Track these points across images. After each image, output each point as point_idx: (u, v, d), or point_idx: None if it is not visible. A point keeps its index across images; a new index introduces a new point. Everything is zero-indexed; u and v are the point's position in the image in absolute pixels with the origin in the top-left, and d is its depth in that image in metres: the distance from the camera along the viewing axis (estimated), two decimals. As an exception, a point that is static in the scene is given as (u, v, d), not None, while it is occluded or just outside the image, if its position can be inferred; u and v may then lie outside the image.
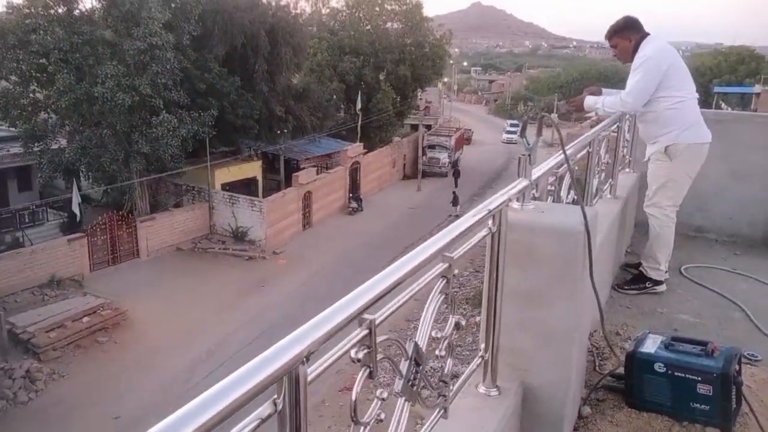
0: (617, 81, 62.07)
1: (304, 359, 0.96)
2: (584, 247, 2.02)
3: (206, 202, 25.15)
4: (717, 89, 38.74)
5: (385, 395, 1.31)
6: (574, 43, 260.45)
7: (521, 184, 2.07)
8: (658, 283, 4.27)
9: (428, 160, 37.75)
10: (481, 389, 2.07)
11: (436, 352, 1.68)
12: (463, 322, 1.77)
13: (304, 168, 28.44)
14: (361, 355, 1.20)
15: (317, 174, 28.81)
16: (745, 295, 4.48)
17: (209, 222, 25.20)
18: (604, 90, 4.16)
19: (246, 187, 26.88)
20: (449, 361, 1.74)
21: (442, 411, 1.73)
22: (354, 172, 31.86)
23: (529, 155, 2.09)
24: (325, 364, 1.09)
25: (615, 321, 3.87)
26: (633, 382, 2.33)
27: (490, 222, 1.90)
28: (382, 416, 1.31)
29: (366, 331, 1.21)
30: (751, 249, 5.46)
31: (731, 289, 4.56)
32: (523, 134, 2.08)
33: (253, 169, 27.82)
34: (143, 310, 18.39)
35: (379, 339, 1.26)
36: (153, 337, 17.22)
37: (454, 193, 31.03)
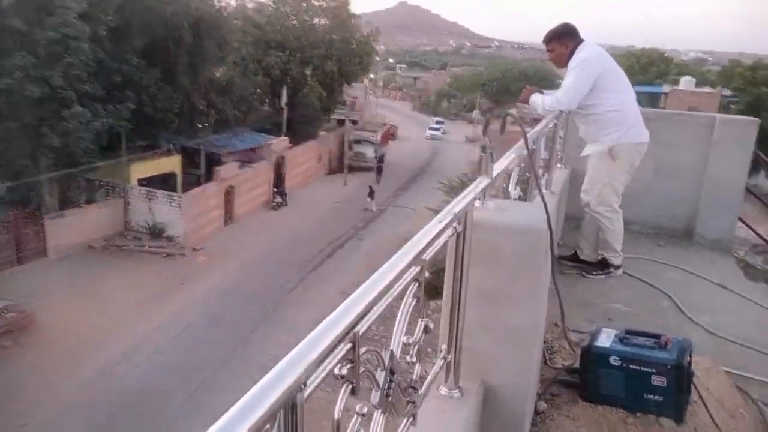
0: (537, 80, 64.25)
1: (303, 385, 0.84)
2: (547, 245, 2.00)
3: (121, 198, 23.96)
4: (630, 89, 40.69)
5: (365, 410, 1.21)
6: (496, 42, 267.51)
7: (483, 182, 2.02)
8: (618, 267, 4.64)
9: (354, 154, 37.83)
10: (443, 391, 2.01)
11: (407, 358, 1.59)
12: (431, 325, 1.70)
13: (226, 162, 27.65)
14: (344, 371, 1.10)
15: (240, 168, 28.10)
16: (671, 284, 4.69)
17: (124, 219, 24.03)
18: (545, 91, 4.30)
19: (164, 182, 25.81)
20: (418, 367, 1.66)
21: (411, 418, 1.65)
22: (279, 167, 31.36)
23: (491, 153, 2.04)
24: (313, 386, 0.97)
25: (551, 312, 3.95)
26: (588, 376, 2.35)
27: (455, 222, 1.84)
28: (362, 432, 1.22)
29: (350, 345, 1.10)
30: (673, 240, 5.74)
31: (658, 279, 4.76)
32: (485, 132, 2.03)
33: (171, 163, 26.74)
34: (53, 312, 17.26)
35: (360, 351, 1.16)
36: (63, 341, 16.19)
37: (370, 187, 31.29)
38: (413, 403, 1.65)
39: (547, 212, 1.98)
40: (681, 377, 2.20)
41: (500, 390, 2.08)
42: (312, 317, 18.75)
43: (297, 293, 20.60)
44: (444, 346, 1.99)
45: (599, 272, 4.60)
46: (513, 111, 2.14)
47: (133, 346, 16.27)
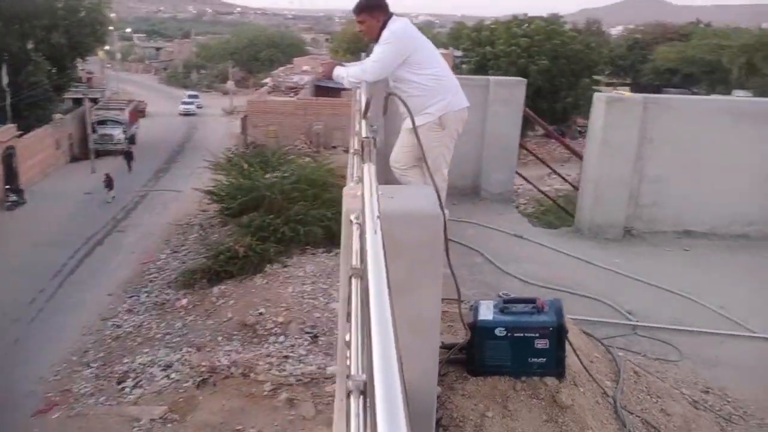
0: (285, 46, 64.24)
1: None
2: (442, 229, 1.93)
3: None
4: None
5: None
6: (239, 9, 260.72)
7: (372, 170, 1.86)
8: None
9: (100, 137, 33.97)
10: (360, 399, 1.85)
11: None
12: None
13: (-63, 160, 22.87)
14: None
15: (-42, 166, 23.51)
16: (476, 240, 5.04)
17: None
18: (347, 64, 4.25)
19: None
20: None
21: None
22: (8, 159, 26.90)
23: (374, 138, 1.88)
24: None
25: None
26: (475, 350, 2.39)
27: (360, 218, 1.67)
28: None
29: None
30: (464, 198, 6.20)
31: (464, 237, 5.09)
32: (365, 115, 1.87)
33: None
34: None
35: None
36: None
37: (107, 175, 27.32)
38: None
39: (438, 196, 1.91)
40: (562, 336, 2.36)
41: (411, 384, 1.99)
42: (81, 324, 16.66)
43: (56, 302, 18.07)
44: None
45: None
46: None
47: None
